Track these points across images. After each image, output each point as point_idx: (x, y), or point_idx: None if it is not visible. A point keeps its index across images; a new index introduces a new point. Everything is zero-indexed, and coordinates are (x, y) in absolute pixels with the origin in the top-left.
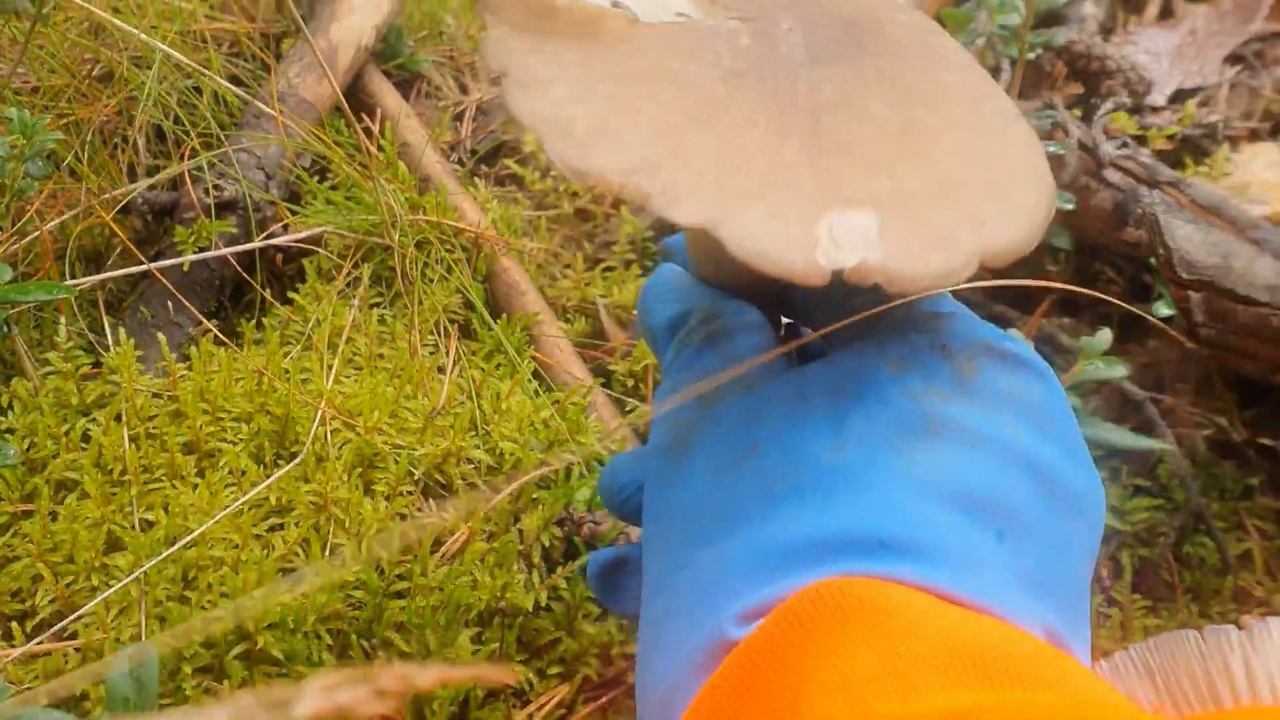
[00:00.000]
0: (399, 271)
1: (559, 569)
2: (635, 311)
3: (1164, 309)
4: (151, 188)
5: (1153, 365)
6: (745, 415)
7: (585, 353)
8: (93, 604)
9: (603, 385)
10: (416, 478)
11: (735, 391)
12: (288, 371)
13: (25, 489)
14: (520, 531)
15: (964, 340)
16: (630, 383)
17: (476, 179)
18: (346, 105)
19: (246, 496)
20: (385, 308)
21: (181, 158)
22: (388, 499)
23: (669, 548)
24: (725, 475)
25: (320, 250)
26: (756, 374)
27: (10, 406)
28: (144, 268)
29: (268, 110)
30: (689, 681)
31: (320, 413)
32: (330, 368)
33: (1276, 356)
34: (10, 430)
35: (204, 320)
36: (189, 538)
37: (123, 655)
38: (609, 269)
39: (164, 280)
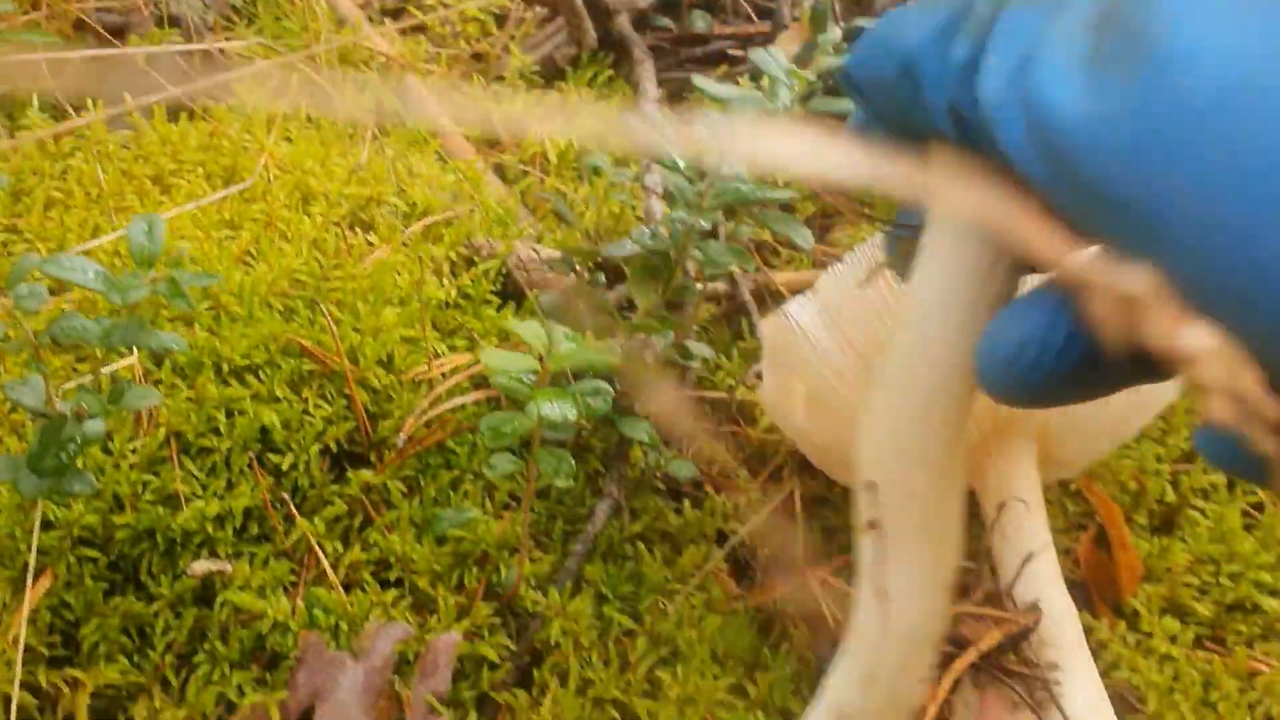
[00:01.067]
0: (324, 81)
1: (463, 275)
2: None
3: None
4: (101, 10)
5: None
6: None
7: (480, 148)
8: (83, 246)
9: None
10: (344, 211)
11: None
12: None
13: (15, 209)
14: (432, 256)
15: None
16: (519, 169)
17: (385, 24)
18: None
19: (204, 201)
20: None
21: None
22: (322, 220)
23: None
24: None
25: (253, 61)
26: None
27: None
28: (116, 50)
29: None
30: None
31: (263, 160)
32: (269, 134)
33: None
34: None
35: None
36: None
37: (138, 217)
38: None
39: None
